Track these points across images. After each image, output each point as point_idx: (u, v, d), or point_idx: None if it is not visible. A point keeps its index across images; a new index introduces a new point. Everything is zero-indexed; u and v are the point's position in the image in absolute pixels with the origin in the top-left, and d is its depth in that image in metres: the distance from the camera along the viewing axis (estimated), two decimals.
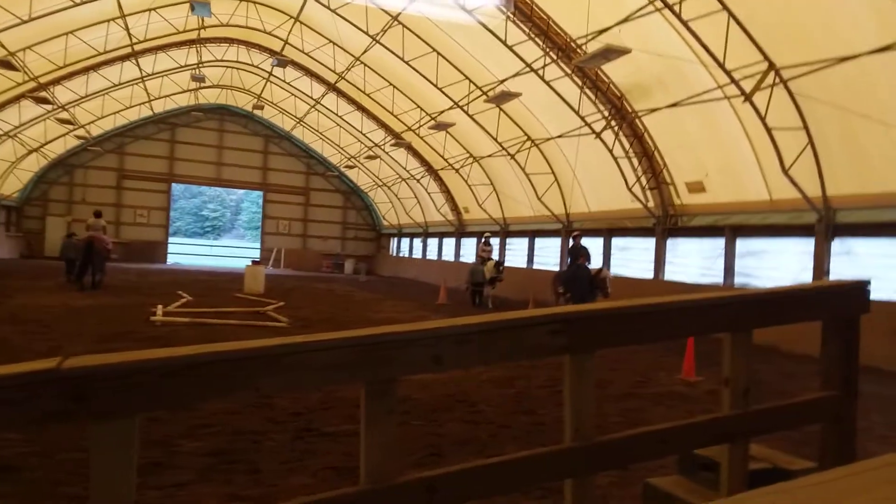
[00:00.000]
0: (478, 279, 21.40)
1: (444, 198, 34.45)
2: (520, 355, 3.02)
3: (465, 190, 31.54)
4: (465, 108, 24.49)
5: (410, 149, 33.50)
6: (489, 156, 27.08)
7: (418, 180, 35.62)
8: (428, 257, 38.41)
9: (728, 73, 14.66)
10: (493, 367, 10.11)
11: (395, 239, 44.82)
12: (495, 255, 26.75)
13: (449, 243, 35.89)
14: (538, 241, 27.15)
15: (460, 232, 34.17)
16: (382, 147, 34.94)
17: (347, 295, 24.39)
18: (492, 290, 21.41)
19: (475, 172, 29.61)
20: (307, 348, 2.81)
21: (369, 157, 36.58)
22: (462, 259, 33.81)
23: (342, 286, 29.54)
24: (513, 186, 27.04)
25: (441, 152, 31.19)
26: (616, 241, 23.04)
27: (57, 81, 27.07)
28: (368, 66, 27.30)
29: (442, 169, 33.14)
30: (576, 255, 17.69)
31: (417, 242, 40.46)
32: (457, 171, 31.09)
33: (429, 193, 35.30)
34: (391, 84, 27.73)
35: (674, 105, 17.75)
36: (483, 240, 23.87)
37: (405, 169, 35.80)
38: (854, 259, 15.29)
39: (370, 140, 34.65)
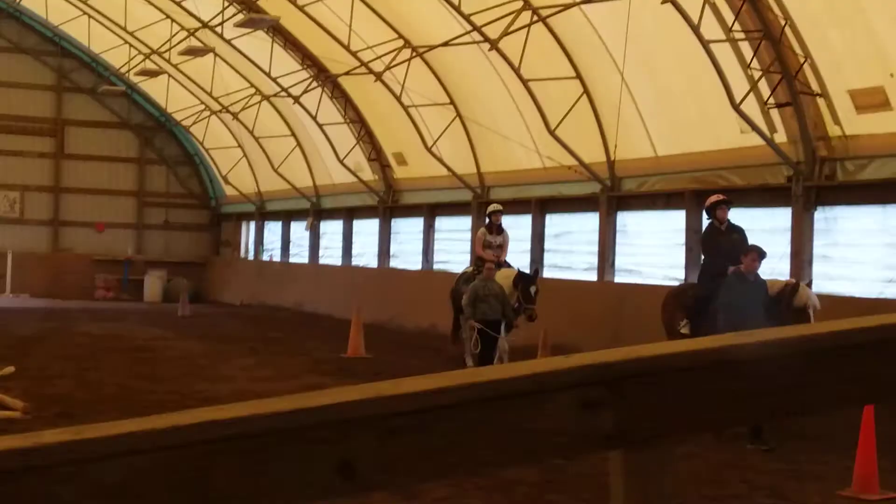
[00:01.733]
0: (482, 313, 13.94)
1: (352, 132, 26.07)
2: (518, 454, 1.89)
3: (397, 118, 23.59)
4: None
5: (277, 33, 23.72)
6: (446, 45, 19.65)
7: (297, 99, 24.86)
8: (323, 261, 30.63)
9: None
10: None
11: (251, 225, 35.32)
12: (510, 260, 16.56)
13: (367, 229, 27.90)
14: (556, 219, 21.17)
15: (390, 205, 26.51)
16: (219, 32, 23.26)
17: (153, 347, 17.25)
18: (507, 336, 14.58)
19: (417, 75, 21.54)
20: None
21: (189, 53, 23.67)
22: (395, 261, 26.82)
23: (142, 328, 20.84)
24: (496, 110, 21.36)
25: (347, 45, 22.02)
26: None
27: None
28: None
29: (347, 74, 22.96)
30: (733, 251, 11.42)
31: (299, 228, 31.70)
32: (378, 77, 22.07)
33: (321, 127, 25.43)
34: None
35: None
36: (487, 221, 16.50)
37: (268, 75, 24.43)
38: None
39: (193, 16, 22.86)
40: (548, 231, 21.26)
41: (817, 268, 15.08)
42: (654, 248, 18.59)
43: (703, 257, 12.70)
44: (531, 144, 20.45)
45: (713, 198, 12.47)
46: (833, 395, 2.04)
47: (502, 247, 16.18)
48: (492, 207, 16.67)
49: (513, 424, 1.89)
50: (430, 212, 25.07)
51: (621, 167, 18.85)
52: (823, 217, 15.18)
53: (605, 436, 1.93)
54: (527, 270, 15.80)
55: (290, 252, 32.72)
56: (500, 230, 16.28)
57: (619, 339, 15.80)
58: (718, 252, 11.67)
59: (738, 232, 11.91)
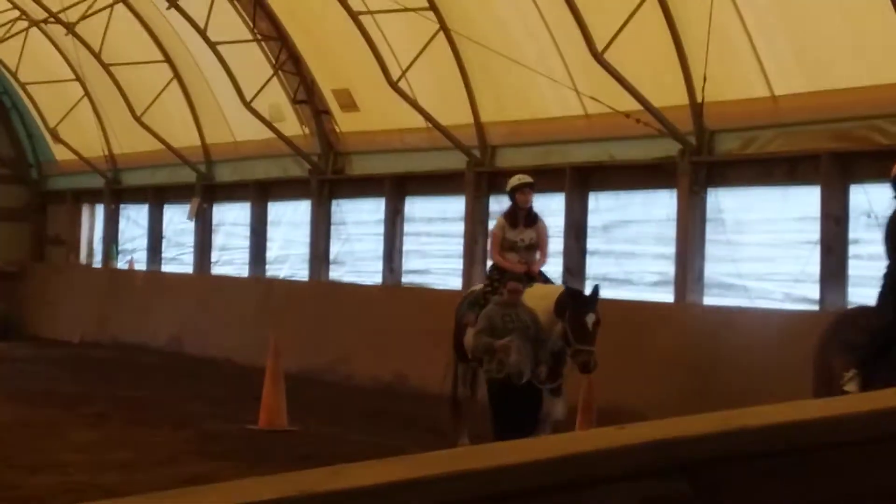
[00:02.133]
0: (511, 364, 14.23)
1: (267, 56, 27.35)
2: None
3: (342, 34, 24.70)
4: None
5: None
6: None
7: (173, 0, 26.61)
8: (219, 269, 31.43)
9: None
10: None
11: (98, 209, 35.75)
12: (549, 269, 17.22)
13: (292, 217, 29.17)
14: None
15: (330, 177, 27.57)
16: None
17: None
18: (555, 398, 14.91)
19: None
20: None
21: None
22: (337, 269, 27.70)
23: None
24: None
25: None
26: None
27: None
28: None
29: None
30: None
31: (178, 216, 32.70)
32: None
33: (213, 47, 27.04)
34: None
35: None
36: (509, 205, 16.41)
37: None
38: None
39: None
40: (592, 221, 21.63)
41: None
42: (769, 249, 18.88)
43: (887, 262, 12.42)
44: (565, 77, 20.72)
45: None
46: None
47: (536, 247, 15.95)
48: (516, 180, 16.21)
49: None
50: (397, 188, 25.51)
51: (715, 115, 19.13)
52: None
53: None
54: (577, 287, 15.88)
55: (164, 255, 32.96)
56: (530, 219, 15.99)
57: (710, 399, 15.57)
58: None
59: None
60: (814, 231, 17.86)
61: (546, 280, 15.82)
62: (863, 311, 12.93)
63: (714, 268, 19.57)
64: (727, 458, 1.98)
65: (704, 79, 18.27)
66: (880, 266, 16.94)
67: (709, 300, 19.51)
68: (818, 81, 17.56)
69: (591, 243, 21.60)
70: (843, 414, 2.09)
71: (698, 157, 19.31)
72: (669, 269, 19.98)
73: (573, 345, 14.36)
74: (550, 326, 14.48)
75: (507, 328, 13.98)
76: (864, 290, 17.21)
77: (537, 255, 15.89)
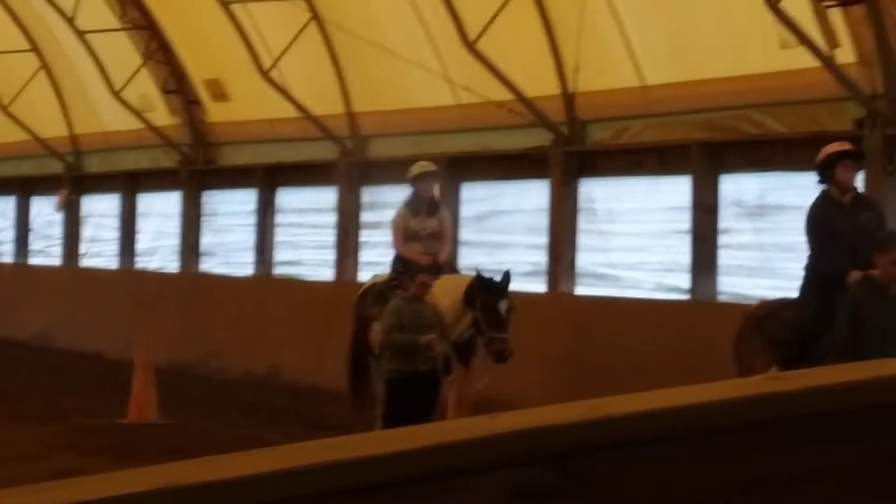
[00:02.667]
0: (438, 358, 13.95)
1: (136, 45, 26.80)
2: None
3: (212, 23, 24.47)
4: None
5: None
6: None
7: None
8: (88, 262, 30.76)
9: None
10: None
11: None
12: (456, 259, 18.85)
13: (162, 208, 28.60)
14: None
15: (201, 168, 27.27)
16: None
17: None
18: (479, 385, 14.79)
19: None
20: None
21: None
22: (208, 261, 27.39)
23: None
24: None
25: None
26: None
27: None
28: None
29: None
30: (861, 242, 11.21)
31: (45, 207, 32.00)
32: None
33: (81, 36, 26.80)
34: None
35: None
36: (411, 193, 16.24)
37: None
38: None
39: None
40: (464, 211, 21.61)
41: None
42: (640, 239, 19.05)
43: (809, 251, 12.12)
44: (437, 67, 20.75)
45: (832, 147, 12.27)
46: None
47: (439, 236, 15.91)
48: (418, 168, 16.15)
49: None
50: (269, 179, 25.40)
51: (586, 105, 19.25)
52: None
53: None
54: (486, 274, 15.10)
55: (31, 248, 32.47)
56: (432, 208, 16.05)
57: (582, 389, 15.42)
58: (836, 242, 11.20)
59: (871, 208, 11.63)
60: (684, 221, 17.99)
61: (453, 270, 15.90)
62: (785, 303, 12.51)
63: (586, 258, 19.63)
64: (596, 446, 1.99)
65: (576, 68, 18.38)
66: (750, 255, 17.17)
67: (581, 290, 19.57)
68: (688, 71, 17.68)
69: (464, 234, 21.53)
70: (712, 401, 2.11)
71: (570, 147, 19.38)
72: (542, 259, 20.02)
73: (486, 333, 14.24)
74: (459, 318, 14.34)
75: (416, 324, 13.60)
76: (734, 280, 17.38)
77: (442, 246, 15.88)
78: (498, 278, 14.87)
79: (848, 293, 10.07)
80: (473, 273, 15.02)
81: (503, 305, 14.34)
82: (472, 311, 14.39)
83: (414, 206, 15.85)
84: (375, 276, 16.87)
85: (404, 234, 15.70)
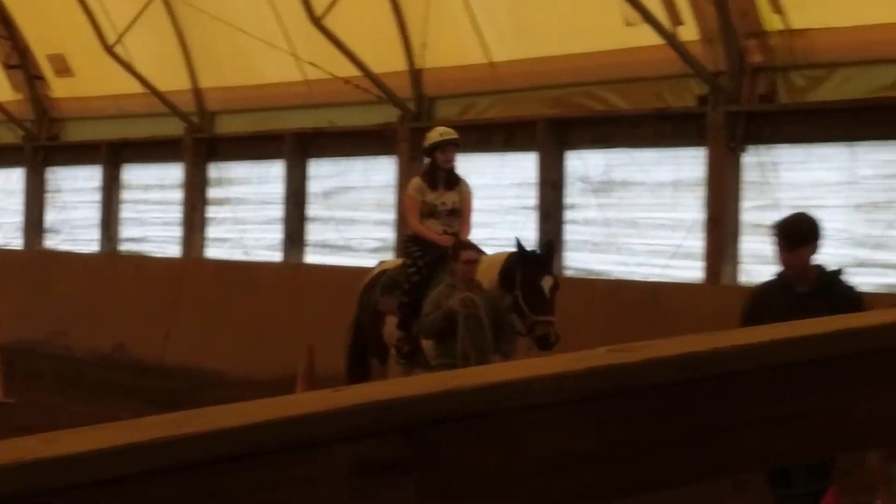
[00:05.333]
0: (462, 352, 12.25)
1: None
2: None
3: None
4: None
5: None
6: None
7: None
8: None
9: None
10: None
11: None
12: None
13: (4, 185, 28.03)
14: None
15: (45, 144, 26.60)
16: None
17: None
18: None
19: None
20: None
21: None
22: (54, 238, 26.67)
23: None
24: None
25: None
26: None
27: None
28: None
29: None
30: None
31: None
32: None
33: None
34: None
35: None
36: (426, 163, 14.41)
37: None
38: None
39: None
40: (312, 187, 21.62)
41: (752, 242, 15.92)
42: (488, 215, 19.11)
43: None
44: (284, 43, 20.58)
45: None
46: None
47: (459, 213, 13.97)
48: (437, 136, 14.10)
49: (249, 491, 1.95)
50: (114, 155, 25.06)
51: (434, 81, 19.30)
52: (758, 161, 15.90)
53: None
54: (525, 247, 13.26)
55: None
56: (452, 181, 13.98)
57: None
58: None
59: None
60: (531, 197, 18.10)
61: (476, 250, 13.22)
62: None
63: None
64: (443, 418, 1.99)
65: (423, 45, 18.38)
66: (595, 231, 17.15)
67: None
68: (535, 49, 17.70)
69: (312, 210, 21.56)
70: (556, 373, 2.11)
71: (418, 124, 19.28)
72: (390, 235, 20.02)
73: (529, 317, 12.25)
74: (497, 299, 12.46)
75: (468, 315, 11.94)
76: (580, 255, 17.40)
77: (464, 222, 13.93)
78: (538, 250, 13.14)
79: (759, 289, 10.14)
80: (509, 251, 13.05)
81: (547, 283, 12.38)
82: (507, 294, 12.48)
83: (431, 179, 13.87)
84: (382, 262, 15.04)
85: (420, 209, 13.72)
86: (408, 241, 13.89)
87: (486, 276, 12.54)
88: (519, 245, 12.82)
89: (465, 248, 12.51)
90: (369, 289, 14.10)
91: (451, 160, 13.84)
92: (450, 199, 13.78)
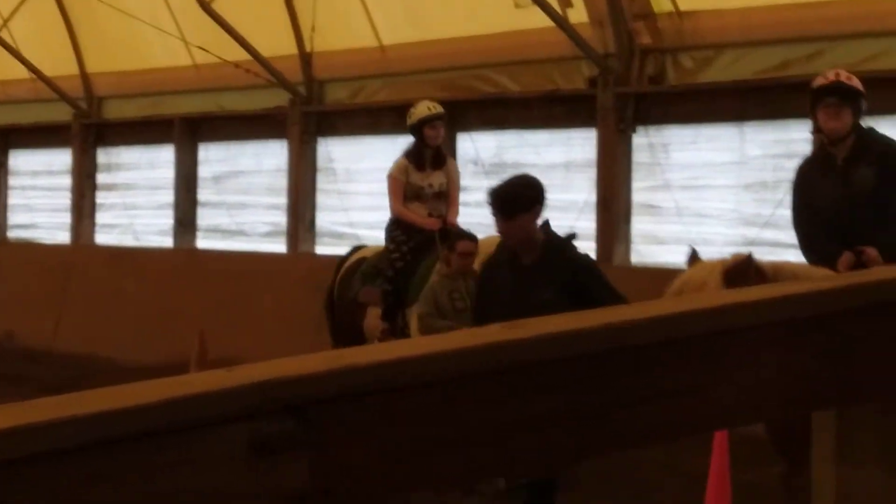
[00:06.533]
0: None
1: None
2: None
3: None
4: None
5: None
6: None
7: None
8: None
9: None
10: None
11: None
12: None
13: None
14: None
15: None
16: None
17: None
18: None
19: None
20: None
21: None
22: None
23: None
24: None
25: None
26: None
27: None
28: None
29: None
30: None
31: None
32: None
33: None
34: None
35: None
36: (412, 142, 13.33)
37: None
38: None
39: None
40: (202, 172, 21.41)
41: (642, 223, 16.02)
42: (379, 198, 18.54)
43: None
44: (172, 27, 20.35)
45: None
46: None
47: (446, 195, 13.15)
48: (425, 110, 13.14)
49: (132, 486, 1.92)
50: (1, 141, 24.78)
51: (324, 65, 19.12)
52: (648, 142, 15.98)
53: (292, 497, 2.06)
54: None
55: None
56: (439, 160, 13.14)
57: (324, 348, 15.14)
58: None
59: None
60: None
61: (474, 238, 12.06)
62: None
63: (326, 217, 19.60)
64: (336, 396, 2.01)
65: (313, 28, 18.26)
66: (486, 213, 16.90)
67: (321, 249, 19.48)
68: (424, 32, 17.65)
69: (203, 194, 21.38)
70: (450, 349, 2.14)
71: (308, 107, 19.27)
72: (282, 219, 19.95)
73: None
74: None
75: (455, 308, 10.99)
76: None
77: (451, 206, 13.09)
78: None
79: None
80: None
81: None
82: None
83: (417, 158, 12.96)
84: (358, 247, 14.14)
85: (405, 191, 12.89)
86: (390, 226, 13.01)
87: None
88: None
89: (461, 238, 11.52)
90: (346, 279, 13.23)
91: (440, 136, 13.04)
92: (437, 180, 12.98)
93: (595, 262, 9.25)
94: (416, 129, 12.93)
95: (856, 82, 9.43)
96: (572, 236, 8.99)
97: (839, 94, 9.26)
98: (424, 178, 12.87)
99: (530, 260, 8.45)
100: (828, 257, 8.97)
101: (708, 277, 7.65)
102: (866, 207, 9.07)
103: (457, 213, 13.05)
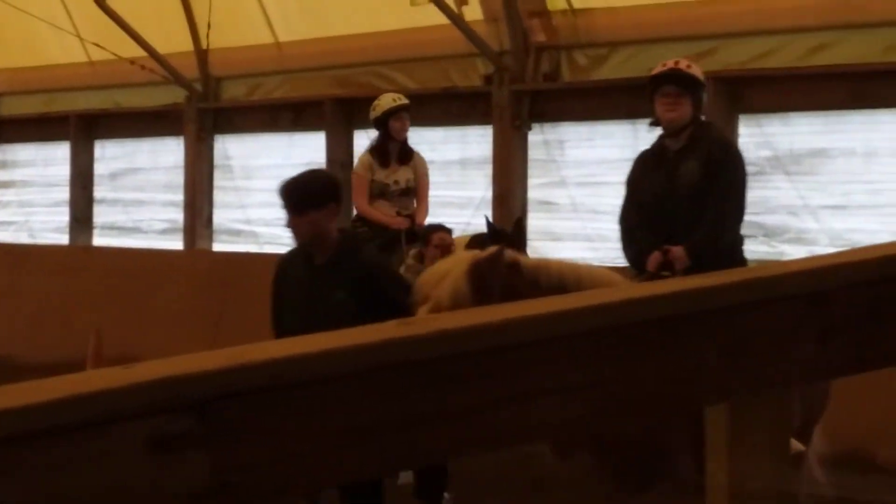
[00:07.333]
0: None
1: None
2: None
3: None
4: None
5: None
6: None
7: None
8: None
9: None
10: None
11: None
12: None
13: None
14: None
15: None
16: None
17: None
18: None
19: None
20: None
21: None
22: None
23: None
24: None
25: None
26: None
27: None
28: None
29: None
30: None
31: None
32: None
33: None
34: None
35: None
36: (377, 135, 12.87)
37: None
38: None
39: None
40: (98, 169, 21.17)
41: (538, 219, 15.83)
42: (276, 195, 18.26)
43: None
44: (67, 24, 20.17)
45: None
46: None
47: (414, 192, 12.68)
48: (390, 101, 12.72)
49: (29, 484, 1.88)
50: None
51: (220, 62, 19.01)
52: (543, 139, 15.99)
53: (193, 494, 2.03)
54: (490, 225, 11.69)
55: None
56: (405, 155, 12.68)
57: (222, 345, 14.98)
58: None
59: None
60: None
61: (437, 227, 11.54)
62: None
63: (223, 214, 19.44)
64: (234, 393, 2.00)
65: (209, 25, 18.01)
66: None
67: (218, 246, 19.38)
68: (321, 28, 17.59)
69: (99, 192, 21.12)
70: (348, 345, 2.14)
71: (205, 104, 19.11)
72: (179, 216, 19.73)
73: None
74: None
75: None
76: None
77: (420, 203, 12.61)
78: (508, 229, 11.54)
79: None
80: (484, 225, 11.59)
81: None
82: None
83: (381, 154, 12.47)
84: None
85: (370, 189, 12.39)
86: (355, 223, 12.49)
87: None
88: (489, 224, 11.51)
89: (436, 230, 11.07)
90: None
91: (406, 129, 12.50)
92: (403, 176, 12.51)
93: (388, 263, 8.91)
94: (381, 122, 12.46)
95: (696, 71, 9.03)
96: (358, 238, 8.71)
97: (677, 82, 8.84)
98: (389, 175, 12.43)
99: (323, 259, 8.20)
100: (645, 254, 8.73)
101: (453, 269, 7.28)
102: (689, 203, 8.66)
103: (426, 211, 12.63)
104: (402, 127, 12.42)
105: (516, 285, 7.06)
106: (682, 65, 8.99)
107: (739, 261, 8.79)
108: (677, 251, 8.46)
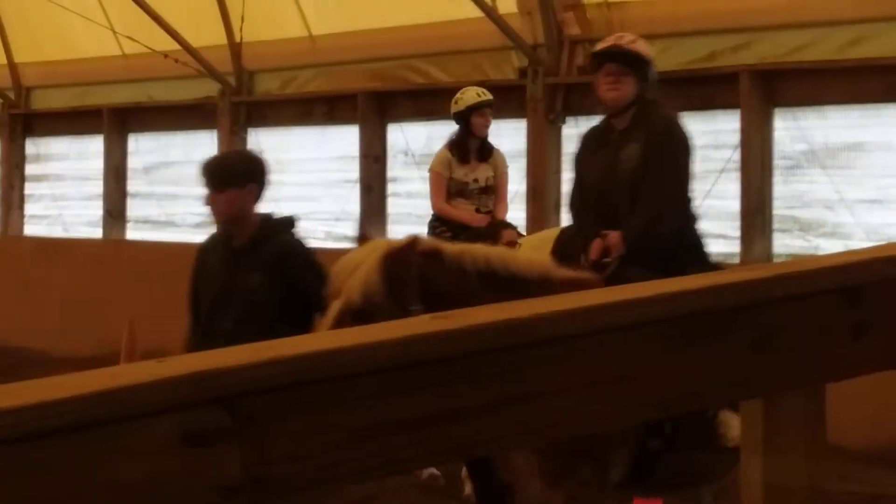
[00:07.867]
0: None
1: None
2: None
3: None
4: None
5: None
6: None
7: None
8: None
9: None
10: None
11: None
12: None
13: None
14: None
15: None
16: None
17: None
18: None
19: None
20: None
21: None
22: None
23: None
24: None
25: None
26: None
27: None
28: None
29: None
30: None
31: None
32: None
33: None
34: None
35: None
36: (457, 130, 12.45)
37: None
38: None
39: None
40: (132, 163, 21.24)
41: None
42: (310, 189, 18.90)
43: None
44: (101, 17, 20.17)
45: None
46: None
47: (493, 189, 12.28)
48: (474, 96, 12.32)
49: (64, 478, 1.87)
50: None
51: (253, 55, 18.99)
52: (577, 133, 15.49)
53: (225, 487, 2.02)
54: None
55: None
56: (485, 152, 12.30)
57: None
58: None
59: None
60: (354, 170, 17.92)
61: (507, 227, 11.14)
62: None
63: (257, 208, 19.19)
64: (263, 388, 1.99)
65: (242, 19, 18.06)
66: (418, 203, 16.99)
67: None
68: (355, 22, 17.56)
69: (132, 185, 21.19)
70: (377, 340, 2.13)
71: (238, 98, 19.14)
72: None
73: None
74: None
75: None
76: (403, 228, 17.25)
77: (499, 201, 12.21)
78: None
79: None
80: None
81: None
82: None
83: (461, 150, 12.05)
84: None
85: (449, 188, 11.98)
86: (433, 221, 12.22)
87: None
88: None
89: (506, 227, 10.76)
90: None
91: (488, 125, 12.15)
92: (482, 174, 12.10)
93: (307, 249, 8.57)
94: (463, 117, 12.09)
95: (640, 46, 8.69)
96: (286, 222, 8.33)
97: (619, 59, 8.47)
98: (468, 173, 12.06)
99: (240, 243, 8.03)
100: (589, 240, 8.29)
101: (367, 258, 7.08)
102: (630, 189, 8.14)
103: (506, 209, 12.29)
104: (485, 123, 12.10)
105: (438, 273, 6.96)
106: (625, 40, 8.65)
107: (690, 245, 8.26)
108: (613, 237, 7.99)
